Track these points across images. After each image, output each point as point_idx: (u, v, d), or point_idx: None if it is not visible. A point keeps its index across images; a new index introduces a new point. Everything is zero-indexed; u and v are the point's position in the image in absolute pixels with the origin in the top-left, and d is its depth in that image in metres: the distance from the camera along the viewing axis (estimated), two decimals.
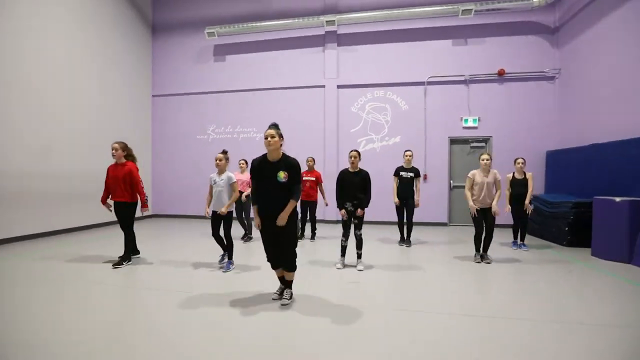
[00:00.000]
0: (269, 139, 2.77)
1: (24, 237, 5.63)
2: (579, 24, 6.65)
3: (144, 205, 4.15)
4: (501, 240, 5.84)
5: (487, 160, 4.31)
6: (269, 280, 3.45)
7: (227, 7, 8.69)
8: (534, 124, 7.39)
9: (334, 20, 7.77)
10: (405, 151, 5.52)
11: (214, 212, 4.01)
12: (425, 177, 7.71)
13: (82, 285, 3.37)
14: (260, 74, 8.57)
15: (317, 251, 5.06)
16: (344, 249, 4.17)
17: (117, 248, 4.68)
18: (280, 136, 2.83)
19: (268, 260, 3.01)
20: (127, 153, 4.14)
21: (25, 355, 1.99)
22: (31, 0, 5.79)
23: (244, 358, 2.02)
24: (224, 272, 3.90)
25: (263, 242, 2.96)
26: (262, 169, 2.82)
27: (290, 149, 8.10)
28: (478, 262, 4.39)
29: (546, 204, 6.12)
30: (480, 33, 7.63)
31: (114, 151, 4.03)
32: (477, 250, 4.48)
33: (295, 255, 2.93)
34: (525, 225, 5.28)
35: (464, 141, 7.75)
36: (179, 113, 9.03)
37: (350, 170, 4.08)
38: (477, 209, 4.31)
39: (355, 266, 4.08)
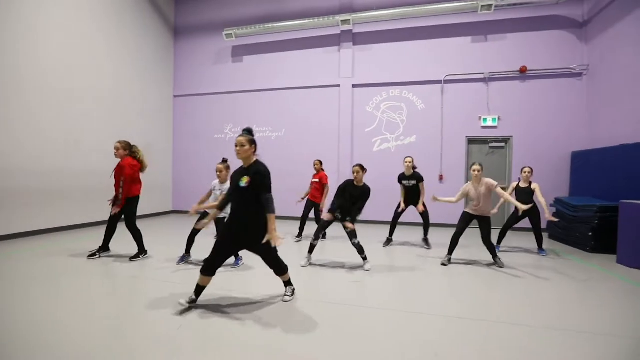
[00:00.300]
0: (238, 147, 2.63)
1: (33, 233, 5.71)
2: (610, 16, 6.25)
3: (115, 202, 4.10)
4: (522, 245, 5.62)
5: (478, 171, 4.19)
6: (270, 279, 3.49)
7: (245, 9, 8.86)
8: (558, 123, 7.03)
9: (349, 20, 7.73)
10: (405, 158, 5.32)
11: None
12: (441, 178, 7.54)
13: (83, 283, 3.42)
14: (276, 74, 8.68)
15: (323, 251, 5.06)
16: (312, 248, 4.17)
17: (121, 244, 4.80)
18: (252, 143, 2.69)
19: (205, 261, 2.71)
20: (130, 151, 4.25)
21: (26, 356, 2.01)
22: (57, 2, 6.12)
23: (243, 356, 2.06)
24: (232, 267, 3.99)
25: (216, 244, 2.71)
26: (235, 175, 2.74)
27: (304, 148, 8.22)
28: (445, 265, 4.28)
29: (569, 207, 5.81)
30: (501, 29, 7.35)
31: (115, 150, 4.17)
32: (450, 252, 4.37)
33: (279, 259, 2.87)
34: (539, 230, 5.06)
35: (483, 141, 7.50)
36: (198, 113, 9.31)
37: (355, 183, 4.08)
38: (468, 212, 4.32)
39: (362, 266, 4.05)
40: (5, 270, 3.78)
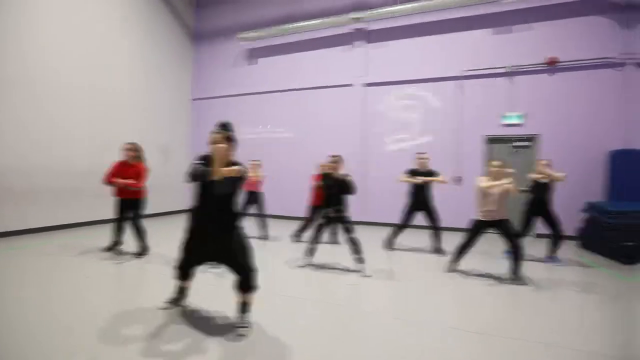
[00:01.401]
0: (215, 147, 2.22)
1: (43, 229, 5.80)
2: None
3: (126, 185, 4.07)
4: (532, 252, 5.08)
5: (497, 167, 3.80)
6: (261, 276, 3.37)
7: (259, 12, 8.94)
8: (594, 120, 6.31)
9: (363, 17, 7.51)
10: (422, 153, 4.98)
11: None
12: (459, 180, 7.05)
13: (81, 280, 3.40)
14: (291, 75, 8.64)
15: (324, 253, 4.85)
16: (311, 250, 4.10)
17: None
18: (229, 140, 2.29)
19: (179, 267, 2.49)
20: (138, 155, 4.32)
21: (18, 355, 2.00)
22: (83, 10, 6.50)
23: (233, 357, 2.03)
24: (216, 274, 3.84)
25: (186, 247, 2.42)
26: (203, 174, 2.22)
27: (318, 148, 8.06)
28: (449, 272, 3.97)
29: (605, 213, 5.16)
30: (527, 18, 6.75)
31: (127, 152, 4.21)
32: (456, 260, 4.04)
33: (253, 270, 2.33)
34: (557, 233, 4.54)
35: (506, 140, 6.92)
36: (214, 115, 9.44)
37: (335, 176, 4.01)
38: (480, 220, 3.87)
39: (360, 270, 3.79)
40: (10, 266, 3.81)
